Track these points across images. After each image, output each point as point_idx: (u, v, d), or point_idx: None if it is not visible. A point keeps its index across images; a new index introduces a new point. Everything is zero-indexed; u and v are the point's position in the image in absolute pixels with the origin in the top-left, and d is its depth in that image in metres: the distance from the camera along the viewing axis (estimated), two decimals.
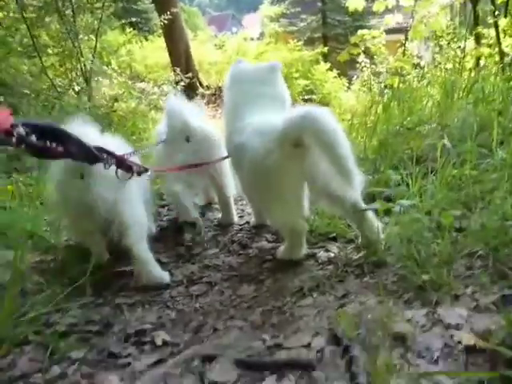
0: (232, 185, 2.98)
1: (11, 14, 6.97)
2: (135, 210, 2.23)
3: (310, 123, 1.84)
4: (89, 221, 2.16)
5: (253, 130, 2.16)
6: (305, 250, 2.19)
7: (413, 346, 1.30)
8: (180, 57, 12.99)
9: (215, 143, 2.82)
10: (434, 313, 1.46)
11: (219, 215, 3.11)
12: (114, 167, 2.08)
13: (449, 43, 8.77)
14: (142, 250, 2.17)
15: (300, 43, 17.24)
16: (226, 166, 2.88)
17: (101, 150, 2.00)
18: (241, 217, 3.12)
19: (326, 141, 1.81)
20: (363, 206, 2.11)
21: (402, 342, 1.33)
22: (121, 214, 2.14)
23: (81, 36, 7.47)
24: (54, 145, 1.74)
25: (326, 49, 17.72)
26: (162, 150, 2.83)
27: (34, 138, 1.66)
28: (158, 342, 1.68)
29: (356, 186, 1.90)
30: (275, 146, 1.95)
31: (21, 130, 1.60)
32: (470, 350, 1.24)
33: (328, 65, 15.72)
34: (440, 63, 7.73)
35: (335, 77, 15.44)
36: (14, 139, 1.57)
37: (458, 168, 2.30)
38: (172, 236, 2.89)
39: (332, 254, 2.19)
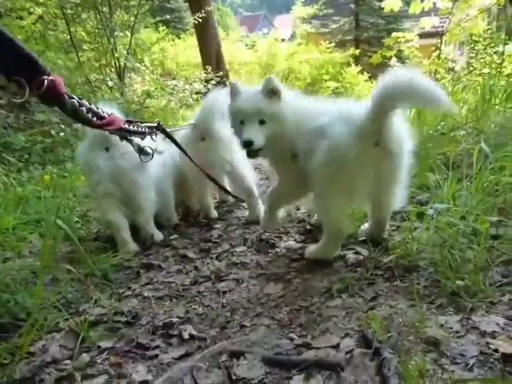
0: (252, 175, 3.04)
1: (50, 10, 7.13)
2: (148, 183, 2.67)
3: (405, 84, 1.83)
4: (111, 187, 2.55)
5: (337, 116, 2.09)
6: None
7: (446, 352, 1.27)
8: (211, 55, 13.06)
9: (228, 146, 2.87)
10: (468, 319, 1.43)
11: (247, 213, 3.11)
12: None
13: (485, 48, 8.56)
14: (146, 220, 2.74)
15: (331, 45, 17.13)
16: (243, 159, 2.92)
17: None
18: None
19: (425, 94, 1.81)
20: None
21: (435, 348, 1.30)
22: (135, 187, 2.60)
23: (116, 33, 7.58)
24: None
25: (357, 51, 17.55)
26: (186, 138, 2.93)
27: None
28: (185, 335, 1.69)
29: None
30: (358, 140, 1.94)
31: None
32: (506, 358, 1.20)
33: (359, 67, 15.56)
34: (475, 68, 7.55)
35: (366, 80, 15.26)
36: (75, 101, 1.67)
37: (495, 174, 2.24)
38: (199, 232, 2.91)
39: (361, 257, 2.16)
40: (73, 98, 1.68)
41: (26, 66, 1.44)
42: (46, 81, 1.48)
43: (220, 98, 2.99)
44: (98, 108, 1.85)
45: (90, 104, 1.80)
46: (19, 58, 1.42)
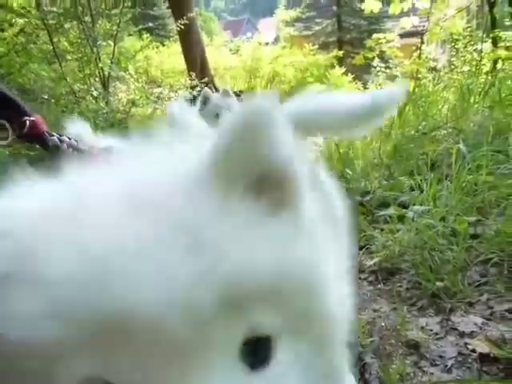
0: None
1: (32, 21, 7.09)
2: None
3: None
4: None
5: None
6: None
7: (426, 354, 1.30)
8: (196, 62, 13.04)
9: None
10: (447, 320, 1.46)
11: None
12: None
13: (465, 46, 8.66)
14: None
15: (315, 47, 17.20)
16: None
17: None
18: None
19: None
20: None
21: (416, 350, 1.33)
22: None
23: (99, 42, 7.56)
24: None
25: (341, 53, 17.63)
26: None
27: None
28: None
29: None
30: None
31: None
32: (484, 358, 1.23)
33: (343, 69, 15.62)
34: (456, 66, 7.63)
35: (350, 81, 15.33)
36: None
37: (473, 173, 2.28)
38: None
39: None
40: (52, 135, 1.71)
41: (7, 108, 1.46)
42: (27, 121, 1.51)
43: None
44: (76, 142, 1.88)
45: (70, 139, 1.84)
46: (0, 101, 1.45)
